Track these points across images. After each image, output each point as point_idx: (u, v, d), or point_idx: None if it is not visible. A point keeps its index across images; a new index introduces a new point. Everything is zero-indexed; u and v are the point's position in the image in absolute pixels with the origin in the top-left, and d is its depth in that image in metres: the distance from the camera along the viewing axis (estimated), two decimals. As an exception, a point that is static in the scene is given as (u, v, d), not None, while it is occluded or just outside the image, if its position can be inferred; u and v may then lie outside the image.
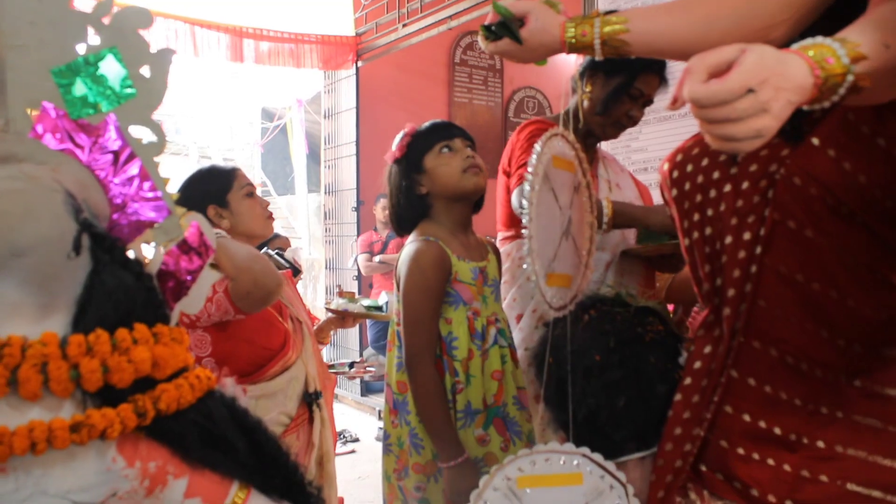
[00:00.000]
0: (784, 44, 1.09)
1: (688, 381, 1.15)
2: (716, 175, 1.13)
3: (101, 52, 0.83)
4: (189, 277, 0.92)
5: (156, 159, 0.85)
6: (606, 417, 1.16)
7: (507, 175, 1.96)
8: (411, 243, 1.73)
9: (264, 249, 2.71)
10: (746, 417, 1.10)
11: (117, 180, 0.84)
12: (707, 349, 1.14)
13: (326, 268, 6.32)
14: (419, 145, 1.77)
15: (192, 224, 0.91)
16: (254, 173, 12.59)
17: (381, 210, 5.53)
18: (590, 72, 1.90)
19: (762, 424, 1.09)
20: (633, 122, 1.94)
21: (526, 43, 1.15)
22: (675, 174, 1.17)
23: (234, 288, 1.53)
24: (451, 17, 4.56)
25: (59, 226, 0.75)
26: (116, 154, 0.84)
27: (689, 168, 1.16)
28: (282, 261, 2.64)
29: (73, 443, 0.72)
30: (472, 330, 1.70)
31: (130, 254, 0.84)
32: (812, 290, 1.06)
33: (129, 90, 0.84)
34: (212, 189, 1.80)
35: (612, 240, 1.94)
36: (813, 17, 1.07)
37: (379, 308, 2.00)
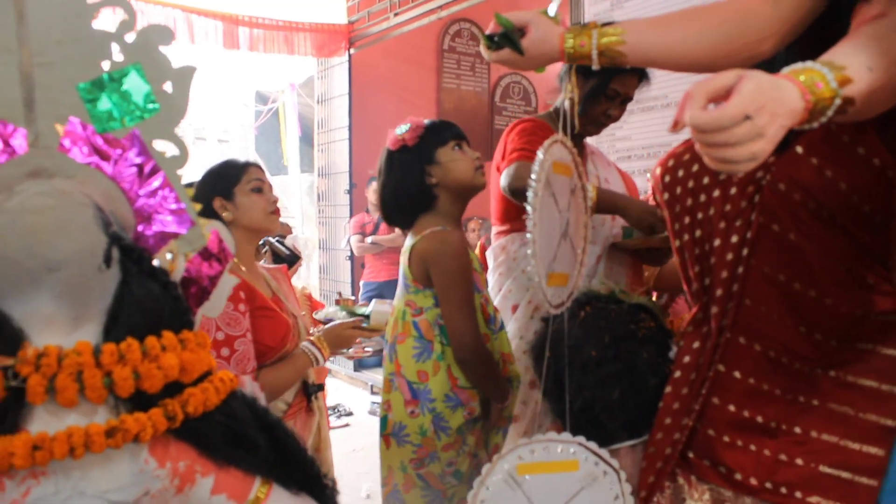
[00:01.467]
0: (771, 56, 1.11)
1: (678, 374, 1.17)
2: (705, 180, 1.15)
3: (125, 68, 0.83)
4: (210, 283, 0.93)
5: (179, 172, 0.85)
6: (601, 408, 1.18)
7: (500, 172, 1.96)
8: (433, 233, 1.71)
9: (264, 238, 2.70)
10: (732, 408, 1.13)
11: (142, 192, 0.84)
12: (696, 344, 1.16)
13: (320, 248, 6.32)
14: (433, 138, 1.77)
15: (211, 232, 0.92)
16: (248, 154, 12.54)
17: (372, 192, 5.51)
18: (568, 73, 1.90)
19: (746, 414, 1.12)
20: (613, 119, 1.95)
21: (526, 52, 1.15)
22: (667, 178, 1.18)
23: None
24: (440, 7, 4.52)
25: (90, 240, 0.75)
26: (141, 167, 0.84)
27: (681, 173, 1.17)
28: (282, 248, 2.63)
29: (108, 447, 0.73)
30: (486, 315, 1.74)
31: (156, 263, 0.85)
32: (793, 289, 1.09)
33: (152, 105, 0.84)
34: (220, 182, 1.80)
35: (603, 233, 1.96)
36: (800, 31, 1.08)
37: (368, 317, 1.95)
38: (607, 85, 1.88)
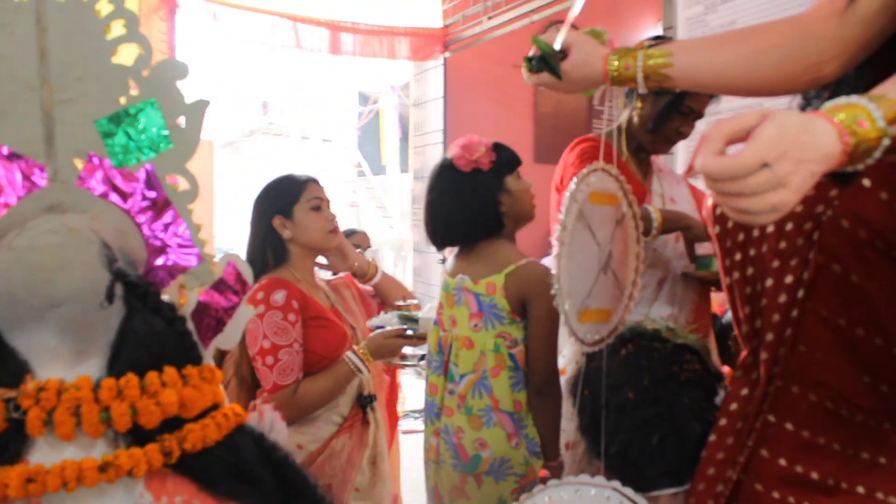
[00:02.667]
0: (836, 80, 1.01)
1: (723, 422, 1.09)
2: (760, 213, 1.06)
3: (141, 103, 0.84)
4: (225, 314, 0.93)
5: (189, 206, 0.86)
6: (639, 453, 1.12)
7: (560, 192, 1.91)
8: (529, 266, 1.69)
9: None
10: (783, 462, 1.04)
11: (155, 226, 0.86)
12: (744, 391, 1.08)
13: (414, 250, 6.38)
14: (503, 165, 1.76)
15: (229, 263, 0.92)
16: (350, 154, 12.85)
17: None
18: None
19: (799, 469, 1.03)
20: (684, 137, 1.86)
21: (568, 75, 1.10)
22: (719, 211, 1.10)
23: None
24: (533, 11, 4.45)
25: (93, 277, 0.77)
26: (154, 201, 0.85)
27: (734, 204, 1.08)
28: None
29: (101, 481, 0.74)
30: None
31: (169, 296, 0.86)
32: (856, 335, 0.99)
33: (166, 140, 0.85)
34: (280, 200, 1.83)
35: (665, 256, 1.87)
36: (868, 53, 0.98)
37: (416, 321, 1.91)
38: (682, 101, 1.79)
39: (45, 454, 0.75)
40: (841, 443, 1.01)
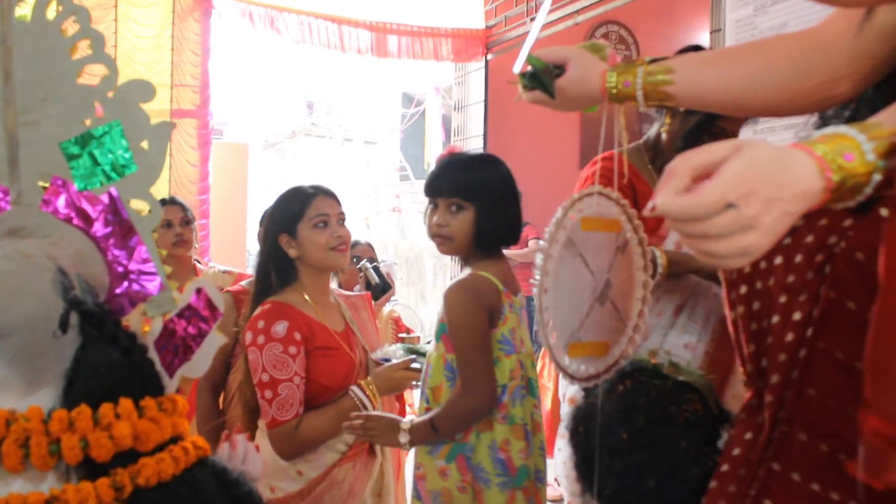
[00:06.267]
0: (849, 98, 0.96)
1: (725, 467, 1.04)
2: (768, 243, 1.01)
3: (105, 125, 0.85)
4: (194, 343, 0.93)
5: (152, 231, 0.87)
6: (634, 497, 1.08)
7: None
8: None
9: (362, 263, 2.72)
10: (791, 514, 0.99)
11: (118, 252, 0.86)
12: (748, 435, 1.03)
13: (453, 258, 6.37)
14: None
15: (197, 290, 0.92)
16: (394, 157, 12.91)
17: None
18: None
19: None
20: None
21: (564, 92, 1.08)
22: (724, 239, 1.06)
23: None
24: (577, 12, 4.41)
25: (45, 306, 0.77)
26: (118, 226, 0.86)
27: (740, 232, 1.04)
28: (374, 276, 2.63)
29: (48, 516, 0.75)
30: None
31: (131, 323, 0.86)
32: None
33: (129, 164, 0.86)
34: (285, 218, 1.83)
35: (683, 282, 1.81)
36: (887, 70, 0.93)
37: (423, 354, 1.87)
38: (714, 122, 1.74)
39: (-7, 486, 0.76)
40: (858, 501, 0.96)
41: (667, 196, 0.67)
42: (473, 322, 1.59)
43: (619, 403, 1.11)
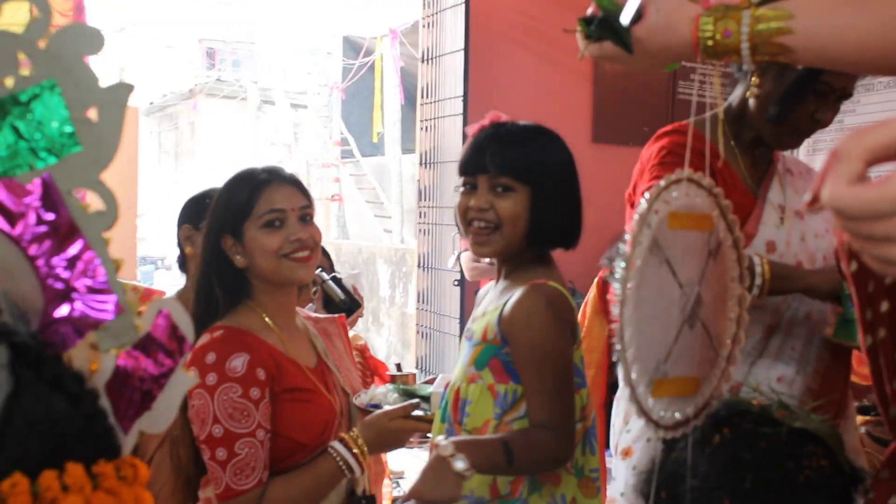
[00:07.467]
0: None
1: (863, 544, 1.08)
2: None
3: (35, 87, 0.85)
4: (155, 385, 0.94)
5: (105, 235, 0.87)
6: (739, 586, 1.11)
7: (633, 206, 1.91)
8: None
9: (317, 273, 2.73)
10: None
11: (55, 261, 0.87)
12: (893, 500, 1.07)
13: (419, 266, 6.34)
14: None
15: (160, 312, 0.93)
16: (332, 126, 12.80)
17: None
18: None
19: None
20: (822, 125, 1.85)
21: (642, 44, 1.11)
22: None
23: None
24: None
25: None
26: (55, 226, 0.86)
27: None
28: (337, 290, 2.65)
29: None
30: None
31: (75, 360, 0.87)
32: None
33: (71, 140, 0.86)
34: (227, 213, 1.81)
35: (775, 297, 1.86)
36: None
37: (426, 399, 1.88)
38: (818, 76, 1.79)
39: None
40: None
41: (837, 186, 0.69)
42: (563, 347, 1.65)
43: (718, 460, 1.14)
